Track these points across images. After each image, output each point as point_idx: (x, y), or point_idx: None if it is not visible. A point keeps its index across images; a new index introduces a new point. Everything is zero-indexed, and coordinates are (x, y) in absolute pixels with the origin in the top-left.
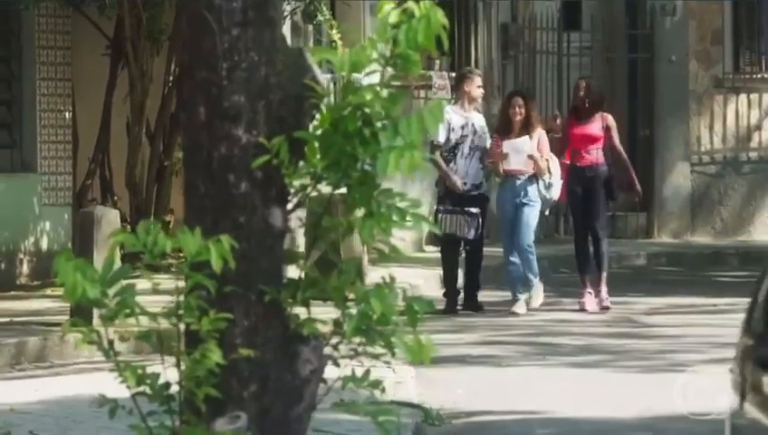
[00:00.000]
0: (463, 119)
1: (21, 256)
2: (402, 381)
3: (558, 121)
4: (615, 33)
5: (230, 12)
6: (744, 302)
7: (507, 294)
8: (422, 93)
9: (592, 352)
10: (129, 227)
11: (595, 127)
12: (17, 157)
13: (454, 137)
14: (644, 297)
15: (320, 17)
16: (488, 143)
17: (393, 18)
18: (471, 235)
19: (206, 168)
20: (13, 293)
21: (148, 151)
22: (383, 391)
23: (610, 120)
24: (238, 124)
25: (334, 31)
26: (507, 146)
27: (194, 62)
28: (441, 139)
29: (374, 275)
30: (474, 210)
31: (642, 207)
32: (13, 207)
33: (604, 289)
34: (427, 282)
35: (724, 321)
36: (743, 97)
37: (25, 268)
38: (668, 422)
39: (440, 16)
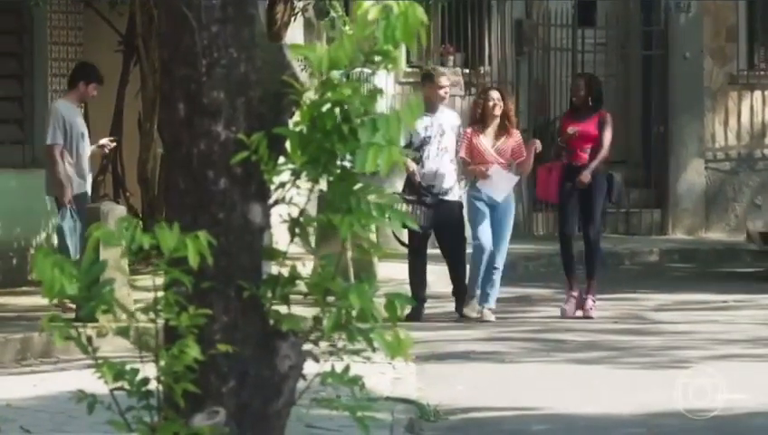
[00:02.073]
0: (426, 120)
1: (32, 251)
2: (401, 378)
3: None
4: (630, 29)
5: (209, 8)
6: (755, 298)
7: (517, 291)
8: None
9: (596, 348)
10: (140, 222)
11: (592, 125)
12: (29, 152)
13: (416, 139)
14: (654, 294)
15: (332, 13)
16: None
17: (372, 15)
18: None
19: (186, 164)
20: (24, 288)
21: (160, 147)
22: (362, 387)
23: (607, 117)
24: (218, 121)
25: (347, 27)
26: (495, 172)
27: (173, 59)
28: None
29: (384, 270)
30: (429, 201)
31: (657, 203)
32: (24, 202)
33: (591, 297)
34: (438, 278)
35: (732, 317)
36: (757, 94)
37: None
38: (663, 419)
39: (419, 13)
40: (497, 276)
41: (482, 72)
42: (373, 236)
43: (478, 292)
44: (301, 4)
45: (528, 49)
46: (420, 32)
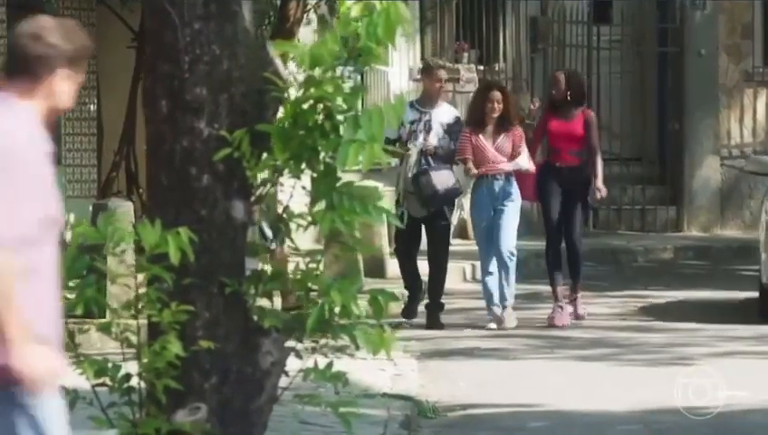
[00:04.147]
0: (416, 114)
1: None
2: (401, 374)
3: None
4: (645, 26)
5: (192, 5)
6: None
7: (527, 288)
8: (449, 86)
9: (601, 345)
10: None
11: (577, 124)
12: None
13: (403, 132)
14: (665, 291)
15: None
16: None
17: (355, 12)
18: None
19: (169, 161)
20: None
21: None
22: (345, 383)
23: (592, 116)
24: (200, 117)
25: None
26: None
27: (156, 55)
28: (390, 134)
29: (394, 267)
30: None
31: (672, 200)
32: None
33: (579, 299)
34: (448, 274)
35: (740, 315)
36: None
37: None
38: (659, 415)
39: (401, 10)
40: (511, 274)
41: (497, 68)
42: (385, 238)
43: (495, 308)
44: (313, 1)
45: (543, 46)
46: (404, 29)
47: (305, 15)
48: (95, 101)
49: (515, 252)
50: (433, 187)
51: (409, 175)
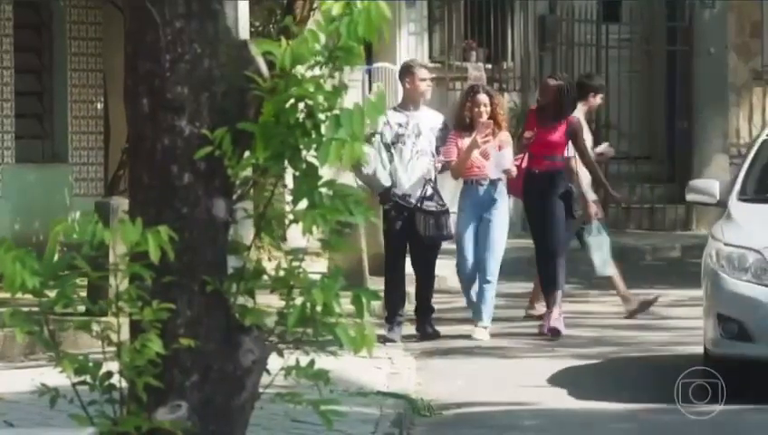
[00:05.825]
0: (403, 117)
1: None
2: (399, 372)
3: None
4: (654, 25)
5: (173, 3)
6: None
7: (527, 286)
8: (458, 85)
9: (602, 343)
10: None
11: (558, 132)
12: (48, 147)
13: (390, 135)
14: (670, 289)
15: None
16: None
17: (335, 11)
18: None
19: (150, 159)
20: None
21: None
22: (327, 381)
23: (575, 122)
24: (181, 116)
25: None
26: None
27: (137, 54)
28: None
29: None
30: (431, 207)
31: (681, 199)
32: (44, 197)
33: (556, 311)
34: (452, 272)
35: None
36: None
37: (55, 259)
38: (654, 414)
39: (382, 9)
40: (489, 291)
41: (505, 67)
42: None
43: (472, 293)
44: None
45: (551, 45)
46: (383, 27)
47: (311, 14)
48: (102, 99)
49: (494, 280)
50: (430, 230)
51: (413, 199)
